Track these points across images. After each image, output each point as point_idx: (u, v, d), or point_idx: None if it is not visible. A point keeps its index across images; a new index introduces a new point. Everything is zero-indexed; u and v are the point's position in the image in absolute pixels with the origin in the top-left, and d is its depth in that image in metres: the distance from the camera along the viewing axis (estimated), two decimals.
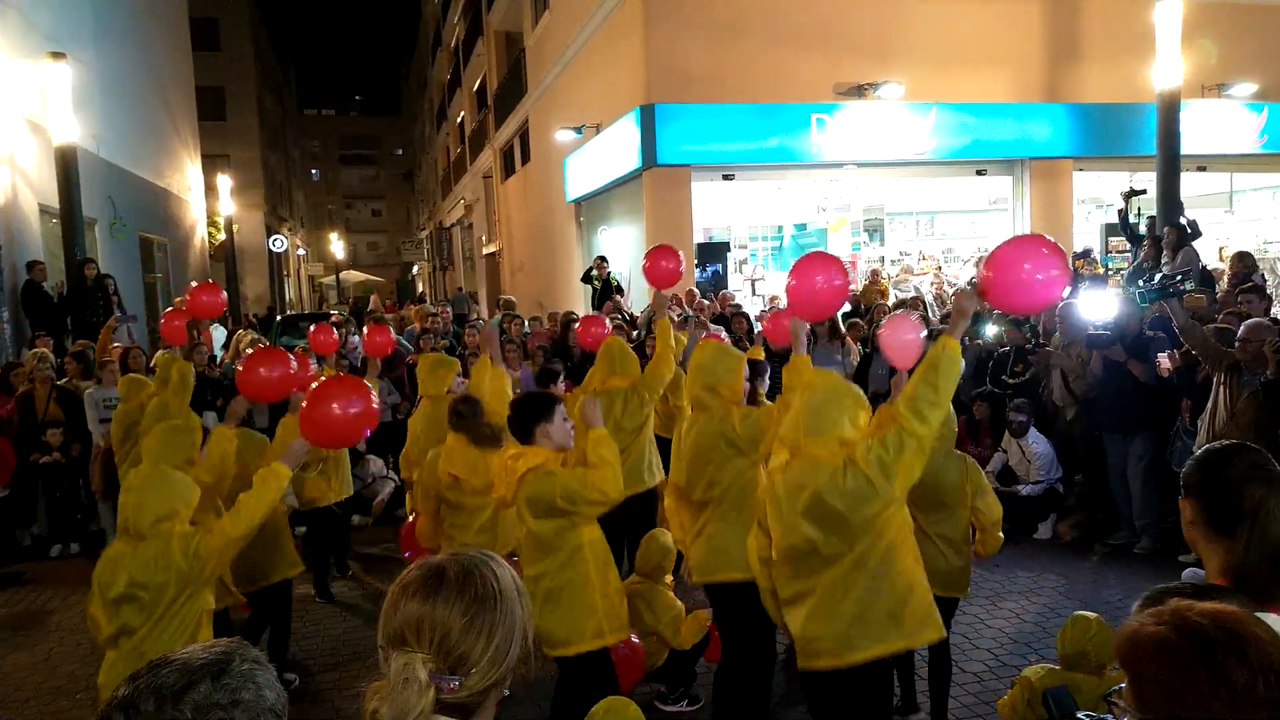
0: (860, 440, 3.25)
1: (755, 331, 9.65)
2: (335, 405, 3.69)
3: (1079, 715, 1.65)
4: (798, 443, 3.34)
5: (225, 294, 7.54)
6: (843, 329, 9.66)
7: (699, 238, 14.55)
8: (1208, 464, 2.23)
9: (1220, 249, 14.33)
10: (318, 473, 6.50)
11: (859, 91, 13.72)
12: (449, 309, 13.27)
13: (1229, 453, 2.21)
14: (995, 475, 7.94)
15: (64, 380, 9.13)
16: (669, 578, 5.31)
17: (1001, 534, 4.58)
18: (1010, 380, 8.46)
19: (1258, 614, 1.54)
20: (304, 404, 3.77)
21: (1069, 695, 1.80)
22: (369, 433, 3.92)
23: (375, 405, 3.80)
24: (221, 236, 26.04)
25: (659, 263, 5.82)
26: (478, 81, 30.04)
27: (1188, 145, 11.45)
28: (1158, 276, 6.06)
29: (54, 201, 12.19)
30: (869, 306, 11.39)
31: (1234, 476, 2.14)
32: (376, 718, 1.46)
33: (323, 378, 4.28)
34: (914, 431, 3.15)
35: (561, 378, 6.82)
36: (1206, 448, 2.30)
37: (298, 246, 48.46)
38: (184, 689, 1.26)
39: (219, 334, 14.22)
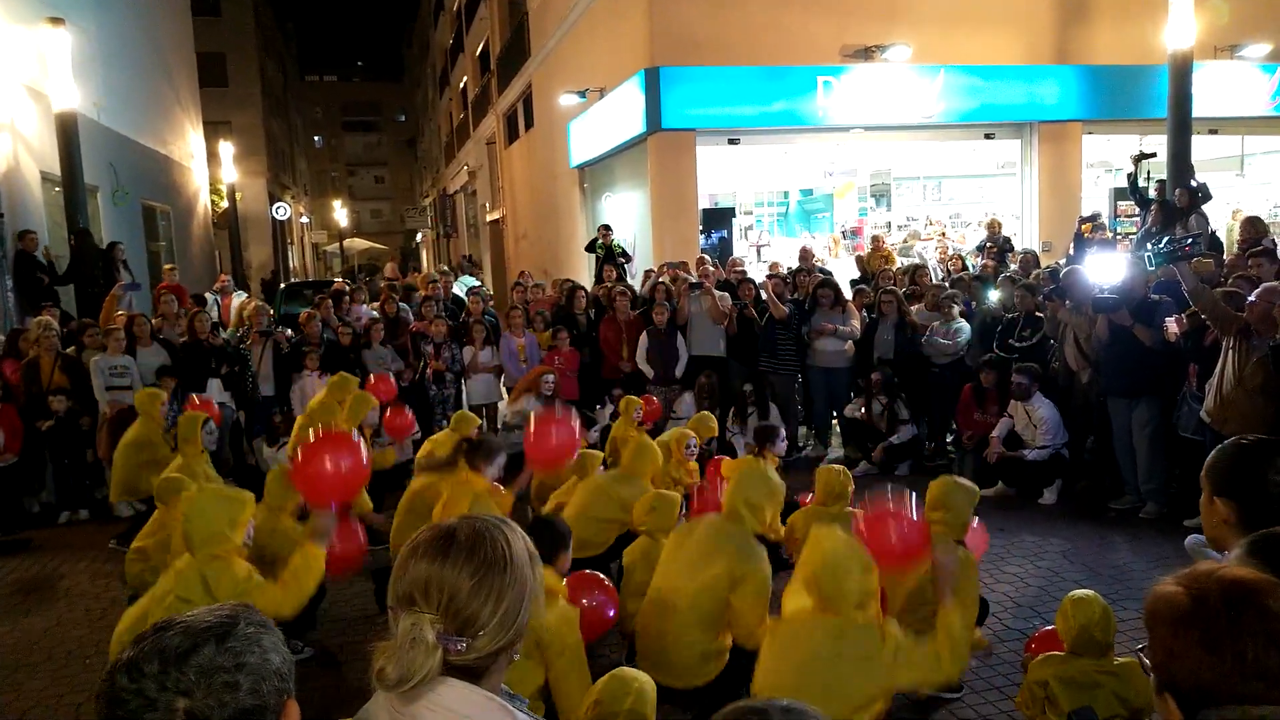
0: (890, 628, 3.33)
1: (762, 298, 9.62)
2: (328, 463, 3.92)
3: None
4: (809, 599, 3.38)
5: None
6: (845, 295, 9.62)
7: (704, 203, 14.45)
8: (1246, 466, 2.13)
9: (1235, 212, 14.20)
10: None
11: (866, 54, 13.55)
12: (449, 277, 13.23)
13: (1269, 455, 2.12)
14: (1001, 440, 7.94)
15: (70, 349, 9.14)
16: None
17: None
18: (1018, 345, 8.42)
19: None
20: (296, 459, 3.99)
21: (1093, 714, 1.81)
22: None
23: (365, 458, 4.02)
24: (224, 204, 25.94)
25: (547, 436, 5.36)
26: (480, 45, 29.74)
27: (1199, 108, 11.31)
28: (1165, 241, 6.00)
29: (55, 169, 12.12)
30: (875, 273, 11.33)
31: (1278, 479, 2.07)
32: (382, 676, 1.46)
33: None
34: (942, 668, 3.32)
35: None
36: (1237, 446, 2.19)
37: (301, 214, 48.27)
38: (188, 652, 1.26)
39: (240, 300, 14.21)
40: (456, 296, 12.09)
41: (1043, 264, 11.16)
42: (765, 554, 4.05)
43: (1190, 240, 5.84)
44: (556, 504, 6.47)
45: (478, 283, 15.62)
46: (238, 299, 14.04)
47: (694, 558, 4.06)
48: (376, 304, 11.18)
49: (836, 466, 5.66)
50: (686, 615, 3.99)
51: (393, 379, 7.79)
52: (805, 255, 11.43)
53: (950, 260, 12.56)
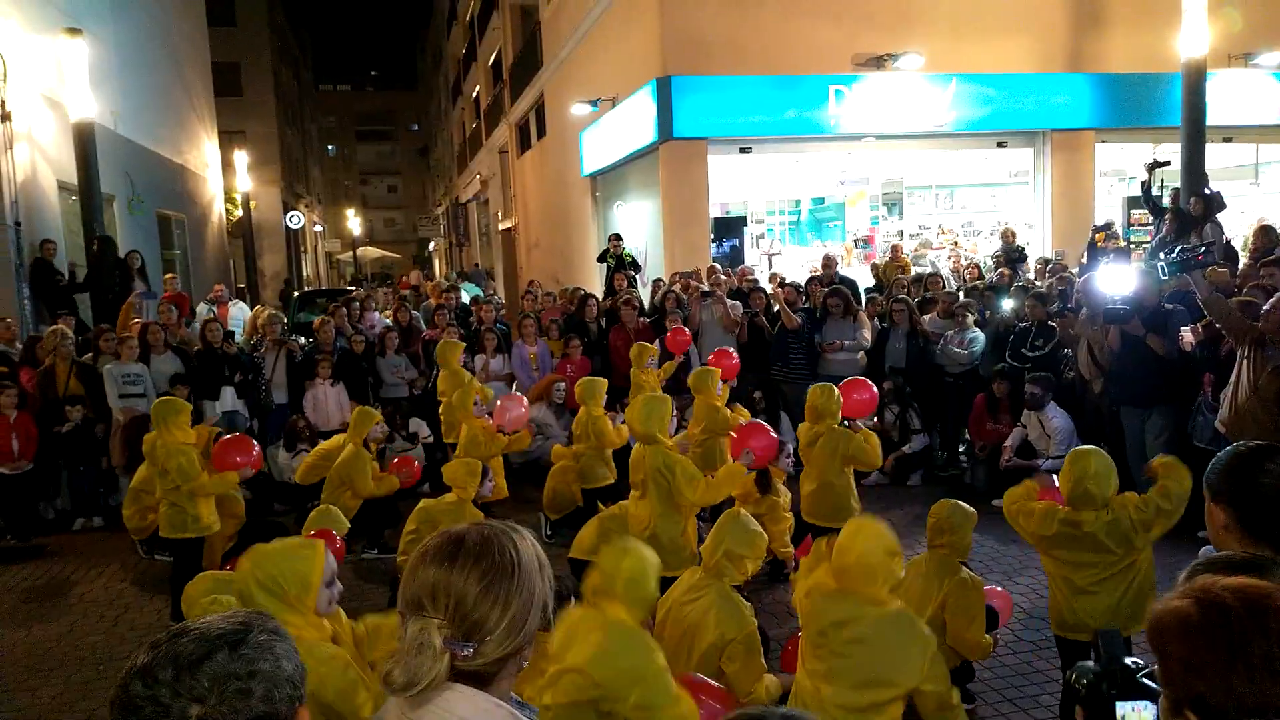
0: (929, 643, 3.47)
1: (774, 309, 9.61)
2: None
3: (1126, 661, 1.65)
4: (845, 576, 3.51)
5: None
6: (855, 305, 9.60)
7: (716, 212, 14.45)
8: (1239, 471, 2.18)
9: (1260, 219, 14.11)
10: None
11: (878, 62, 13.54)
12: (440, 283, 13.34)
13: (1260, 458, 2.17)
14: (1014, 450, 7.90)
15: (85, 356, 9.19)
16: None
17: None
18: (1030, 354, 8.38)
19: None
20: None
21: (1119, 639, 1.80)
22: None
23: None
24: (239, 213, 26.10)
25: None
26: (493, 55, 29.87)
27: (1213, 116, 11.23)
28: (1178, 249, 5.96)
29: (72, 178, 12.23)
30: (889, 282, 11.32)
31: (1271, 484, 2.12)
32: (390, 680, 1.46)
33: None
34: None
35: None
36: (1232, 452, 2.26)
37: (315, 223, 48.53)
38: (201, 658, 1.27)
39: (236, 309, 14.28)
40: (463, 304, 12.16)
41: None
42: (747, 608, 4.04)
43: (1203, 249, 5.81)
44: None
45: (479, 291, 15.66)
46: (234, 308, 14.09)
47: (680, 626, 4.06)
48: (390, 312, 11.22)
49: (825, 385, 5.89)
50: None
51: (416, 463, 7.78)
52: (829, 263, 11.38)
53: (967, 269, 12.55)
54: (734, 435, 5.83)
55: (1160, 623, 1.43)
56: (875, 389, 6.50)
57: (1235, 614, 1.35)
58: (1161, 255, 6.72)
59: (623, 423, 7.74)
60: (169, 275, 14.15)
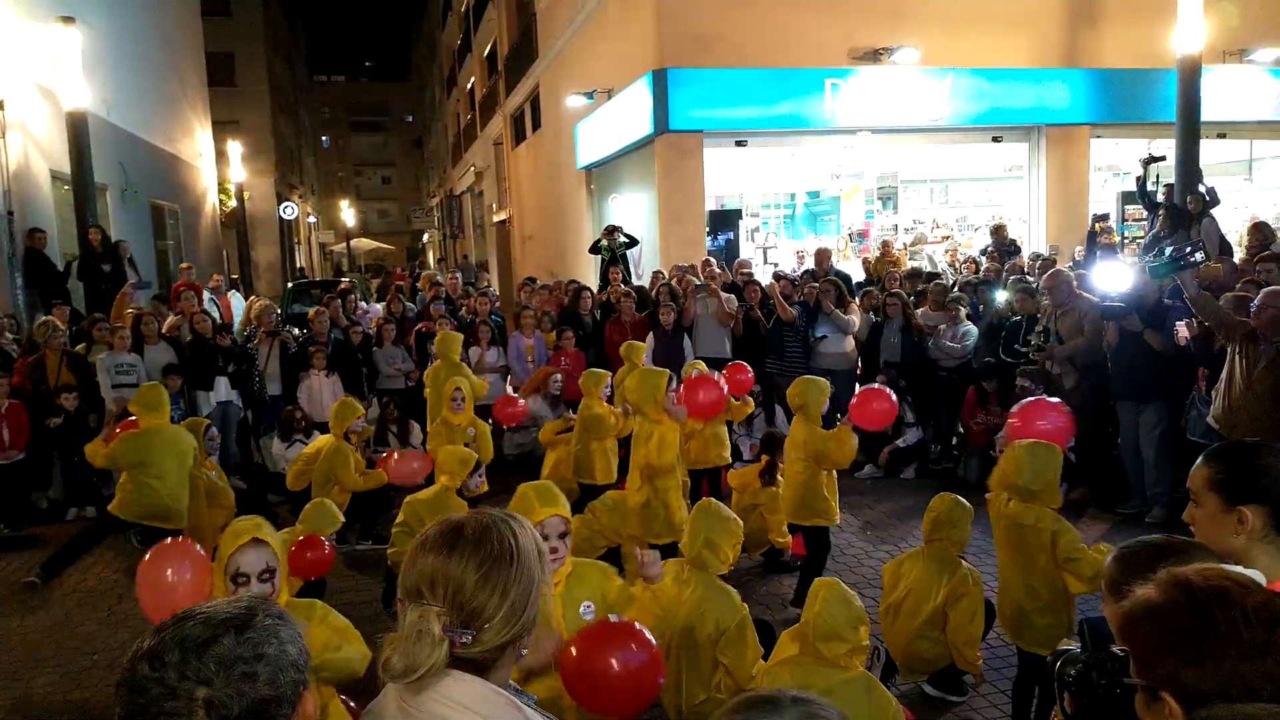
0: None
1: (768, 301, 9.62)
2: None
3: (1113, 649, 1.66)
4: (806, 636, 3.52)
5: None
6: (849, 296, 9.61)
7: (711, 205, 14.44)
8: (1262, 467, 2.08)
9: (1253, 216, 14.15)
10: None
11: (874, 56, 13.54)
12: (458, 276, 13.30)
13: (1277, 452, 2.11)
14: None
15: (79, 346, 9.15)
16: None
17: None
18: (1023, 349, 8.40)
19: None
20: None
21: (1105, 626, 1.80)
22: None
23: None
24: (232, 203, 26.02)
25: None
26: (488, 46, 29.78)
27: (1207, 112, 11.27)
28: (1168, 250, 5.95)
29: (65, 167, 12.18)
30: (881, 276, 11.34)
31: None
32: (388, 667, 1.47)
33: None
34: None
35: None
36: (1241, 449, 2.18)
37: (308, 214, 48.37)
38: (208, 642, 1.28)
39: (236, 300, 14.26)
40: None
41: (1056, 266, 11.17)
42: (734, 595, 4.04)
43: (1189, 248, 5.79)
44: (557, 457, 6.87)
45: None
46: (233, 299, 14.08)
47: (675, 622, 4.03)
48: (383, 303, 11.21)
49: (805, 378, 5.97)
50: (688, 677, 4.02)
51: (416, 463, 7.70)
52: (822, 257, 11.38)
53: (965, 263, 12.56)
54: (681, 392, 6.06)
55: (1130, 613, 1.46)
56: (895, 402, 6.15)
57: (1199, 591, 1.39)
58: (1148, 257, 6.74)
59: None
60: (185, 265, 14.13)
